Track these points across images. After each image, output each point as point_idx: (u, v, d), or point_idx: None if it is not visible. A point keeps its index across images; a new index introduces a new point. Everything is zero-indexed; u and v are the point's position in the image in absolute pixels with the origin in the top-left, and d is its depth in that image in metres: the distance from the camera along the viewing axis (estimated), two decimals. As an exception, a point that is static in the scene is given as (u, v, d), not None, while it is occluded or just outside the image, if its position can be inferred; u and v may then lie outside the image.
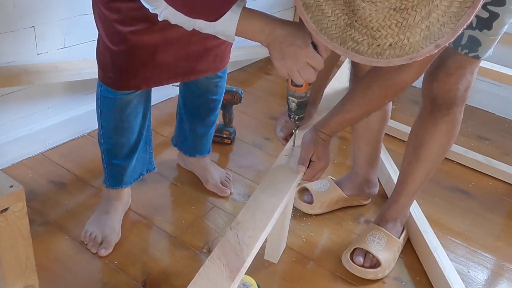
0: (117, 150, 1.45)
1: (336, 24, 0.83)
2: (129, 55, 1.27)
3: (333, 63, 1.45)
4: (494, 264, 1.56)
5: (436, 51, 0.79)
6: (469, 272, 1.52)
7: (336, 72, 1.86)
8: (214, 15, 0.98)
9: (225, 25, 1.04)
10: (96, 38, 1.33)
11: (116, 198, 1.52)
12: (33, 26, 1.61)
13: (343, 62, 1.95)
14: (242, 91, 1.93)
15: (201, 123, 1.65)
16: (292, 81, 1.18)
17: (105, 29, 1.27)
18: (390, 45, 0.80)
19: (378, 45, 0.81)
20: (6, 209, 0.79)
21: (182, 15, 1.01)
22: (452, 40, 0.78)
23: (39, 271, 0.92)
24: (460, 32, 0.77)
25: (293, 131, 1.36)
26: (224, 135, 1.96)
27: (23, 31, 1.59)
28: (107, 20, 1.25)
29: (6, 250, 0.83)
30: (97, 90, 1.40)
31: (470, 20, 0.76)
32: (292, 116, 1.28)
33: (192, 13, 0.99)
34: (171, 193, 1.70)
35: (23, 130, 1.74)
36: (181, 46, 1.32)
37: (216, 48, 1.41)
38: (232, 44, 1.46)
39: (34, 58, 1.66)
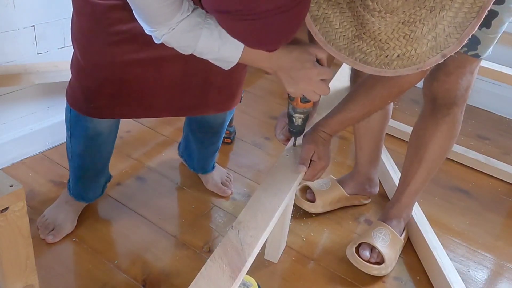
0: (84, 170, 1.44)
1: (344, 35, 0.84)
2: (112, 82, 1.19)
3: (329, 63, 1.44)
4: (494, 263, 1.56)
5: (442, 60, 0.80)
6: (469, 271, 1.52)
7: (337, 71, 1.86)
8: (276, 45, 0.95)
9: (231, 51, 1.02)
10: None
11: None
12: (33, 26, 1.61)
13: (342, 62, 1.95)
14: (243, 91, 1.93)
15: (207, 148, 1.63)
16: (301, 99, 1.19)
17: (87, 49, 1.17)
18: (398, 56, 0.81)
19: (386, 56, 0.82)
20: (6, 209, 0.79)
21: (186, 39, 0.97)
22: (458, 49, 0.78)
23: (39, 271, 0.92)
24: (465, 42, 0.77)
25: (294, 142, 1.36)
26: (224, 135, 1.96)
27: (23, 30, 1.59)
28: (94, 40, 1.15)
29: (6, 250, 0.83)
30: (66, 115, 1.34)
31: (475, 30, 0.76)
32: (296, 133, 1.29)
33: (257, 45, 0.93)
34: (171, 193, 1.70)
35: (23, 130, 1.74)
36: (176, 77, 1.22)
37: (222, 83, 1.30)
38: (243, 80, 1.39)
39: (34, 58, 1.66)
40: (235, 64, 1.05)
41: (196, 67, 1.21)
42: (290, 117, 1.26)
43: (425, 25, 0.79)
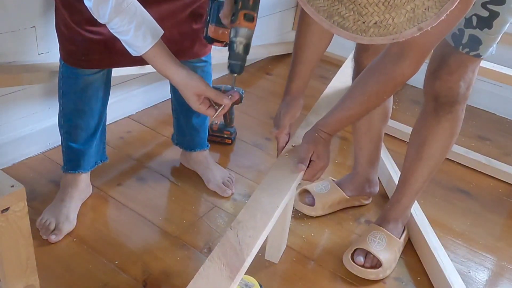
0: (76, 133, 1.48)
1: None
2: (94, 35, 1.27)
3: (318, 51, 1.41)
4: (494, 264, 1.56)
5: (419, 33, 0.80)
6: (469, 272, 1.51)
7: (337, 72, 1.86)
8: None
9: (139, 41, 1.10)
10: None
11: (73, 185, 1.53)
12: (34, 26, 1.61)
13: (343, 62, 1.95)
14: (243, 91, 1.93)
15: (196, 113, 1.66)
16: (245, 16, 1.13)
17: (67, 7, 1.27)
18: (375, 23, 0.80)
19: (364, 22, 0.81)
20: (7, 209, 0.79)
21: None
22: (435, 24, 0.78)
23: (39, 271, 0.92)
24: (443, 17, 0.77)
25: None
26: (225, 135, 1.96)
27: (24, 31, 1.59)
28: (74, 6, 1.24)
29: (7, 250, 0.84)
30: (59, 70, 1.43)
31: (453, 7, 0.76)
32: (236, 65, 1.17)
33: None
34: (171, 193, 1.71)
35: (24, 130, 1.74)
36: None
37: (194, 33, 1.43)
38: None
39: (35, 58, 1.66)
40: (139, 55, 1.13)
41: (171, 21, 1.33)
42: (231, 46, 1.17)
43: None
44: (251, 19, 1.14)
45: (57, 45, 1.71)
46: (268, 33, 2.63)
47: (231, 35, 1.17)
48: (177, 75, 1.15)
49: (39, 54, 1.67)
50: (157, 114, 2.12)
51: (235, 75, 1.20)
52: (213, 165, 1.75)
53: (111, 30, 1.12)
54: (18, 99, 1.68)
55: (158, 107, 2.17)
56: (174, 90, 1.66)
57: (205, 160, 1.74)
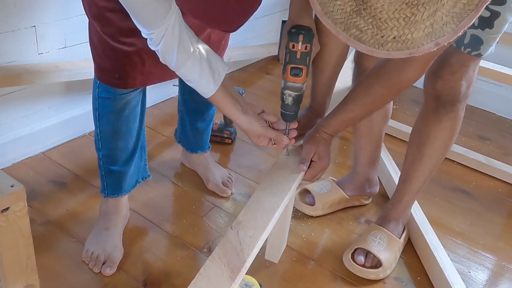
0: (116, 156, 1.42)
1: (342, 9, 0.83)
2: (128, 47, 1.25)
3: (336, 70, 1.44)
4: (494, 264, 1.56)
5: (436, 49, 0.80)
6: (469, 272, 1.52)
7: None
8: (233, 26, 1.06)
9: (204, 88, 1.16)
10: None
11: (115, 212, 1.47)
12: (34, 26, 1.61)
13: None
14: (243, 91, 1.93)
15: (201, 118, 1.66)
16: (291, 70, 1.17)
17: (96, 18, 1.24)
18: (394, 38, 0.81)
19: (382, 36, 0.81)
20: (7, 209, 0.79)
21: (178, 51, 1.07)
22: (452, 40, 0.79)
23: (39, 271, 0.92)
24: (460, 33, 0.78)
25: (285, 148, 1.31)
26: (225, 135, 1.96)
27: (24, 30, 1.59)
28: (105, 17, 1.21)
29: (7, 250, 0.84)
30: (93, 91, 1.37)
31: (471, 23, 0.76)
32: (286, 114, 1.23)
33: (212, 22, 1.04)
34: (171, 193, 1.71)
35: (24, 130, 1.74)
36: None
37: (211, 45, 1.41)
38: (227, 44, 1.50)
39: (35, 58, 1.66)
40: (208, 97, 1.18)
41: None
42: (281, 96, 1.23)
43: (427, 9, 0.79)
44: (298, 73, 1.17)
45: (57, 45, 1.72)
46: (268, 33, 2.63)
47: (281, 85, 1.22)
48: (239, 121, 1.24)
49: (39, 54, 1.67)
50: (157, 114, 2.12)
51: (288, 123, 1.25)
52: (213, 165, 1.75)
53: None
54: (18, 99, 1.68)
55: (158, 107, 2.16)
56: (182, 91, 1.65)
57: (205, 160, 1.74)
